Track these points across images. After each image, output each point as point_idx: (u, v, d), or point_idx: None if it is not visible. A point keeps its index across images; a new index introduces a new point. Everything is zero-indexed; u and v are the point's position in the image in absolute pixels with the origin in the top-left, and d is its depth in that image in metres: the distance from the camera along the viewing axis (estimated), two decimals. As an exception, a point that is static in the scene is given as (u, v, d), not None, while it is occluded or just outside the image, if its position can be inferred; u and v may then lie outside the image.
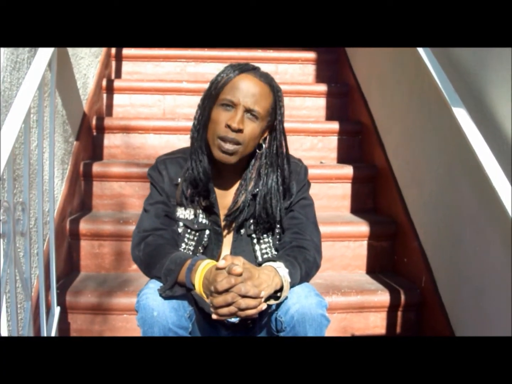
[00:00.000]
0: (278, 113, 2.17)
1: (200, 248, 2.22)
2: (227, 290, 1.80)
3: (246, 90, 2.05)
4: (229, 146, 2.06)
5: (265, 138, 2.21)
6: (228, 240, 2.26)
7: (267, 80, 2.12)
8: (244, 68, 2.09)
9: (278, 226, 2.24)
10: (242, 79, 2.06)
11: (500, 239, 2.49)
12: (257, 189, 2.19)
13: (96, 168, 3.86)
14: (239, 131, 2.05)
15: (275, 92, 2.14)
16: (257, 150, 2.20)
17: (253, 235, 2.22)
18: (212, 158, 2.14)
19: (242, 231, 2.23)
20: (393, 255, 3.67)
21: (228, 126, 2.04)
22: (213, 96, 2.09)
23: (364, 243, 3.65)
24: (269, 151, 2.20)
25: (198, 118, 2.16)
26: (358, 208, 4.07)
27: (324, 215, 3.82)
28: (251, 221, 2.22)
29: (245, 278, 1.82)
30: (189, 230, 2.22)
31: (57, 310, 2.83)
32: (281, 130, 2.19)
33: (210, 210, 2.21)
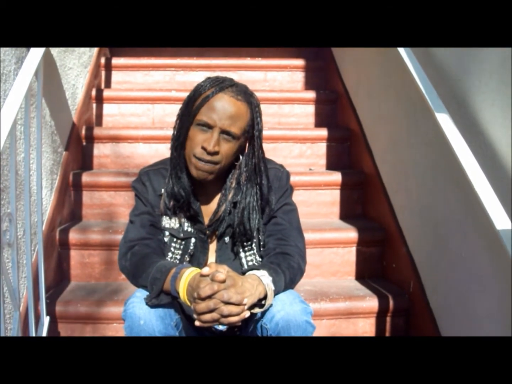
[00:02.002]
0: (256, 129, 2.16)
1: (186, 256, 2.23)
2: (210, 297, 1.82)
3: (223, 111, 2.04)
4: (204, 166, 2.08)
5: (243, 149, 2.22)
6: (214, 248, 2.27)
7: (245, 97, 2.11)
8: (222, 86, 2.07)
9: (260, 234, 2.25)
10: (219, 99, 2.05)
11: (484, 244, 2.51)
12: (238, 198, 2.21)
13: (86, 178, 3.86)
14: (215, 153, 2.06)
15: (253, 109, 2.14)
16: (235, 162, 2.22)
17: (238, 243, 2.24)
18: None
19: (227, 239, 2.25)
20: (382, 261, 3.68)
21: (204, 148, 2.05)
22: (189, 115, 2.09)
23: (353, 249, 3.65)
24: (247, 162, 2.21)
25: (175, 136, 2.17)
26: (347, 214, 4.07)
27: (313, 222, 3.83)
28: (231, 230, 2.24)
29: (228, 285, 1.84)
30: (175, 239, 2.24)
31: (46, 319, 2.84)
32: (259, 146, 2.19)
33: (195, 218, 2.22)
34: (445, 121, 2.69)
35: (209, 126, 2.06)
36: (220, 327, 2.25)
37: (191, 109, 2.09)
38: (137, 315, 1.96)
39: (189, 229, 2.24)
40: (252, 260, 2.24)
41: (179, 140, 2.13)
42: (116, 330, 3.06)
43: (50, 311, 2.98)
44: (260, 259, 2.25)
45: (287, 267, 2.08)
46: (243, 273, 2.02)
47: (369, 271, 3.67)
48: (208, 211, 2.25)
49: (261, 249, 2.25)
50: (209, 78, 2.13)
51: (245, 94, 2.12)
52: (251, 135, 2.16)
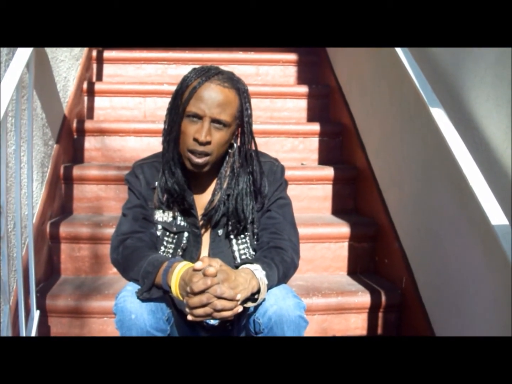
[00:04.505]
0: (245, 114, 2.15)
1: (179, 250, 2.22)
2: (203, 291, 1.80)
3: (211, 100, 2.03)
4: (198, 160, 2.08)
5: (236, 136, 2.21)
6: (206, 242, 2.25)
7: (232, 84, 2.10)
8: (208, 75, 2.06)
9: (254, 226, 2.24)
10: (206, 89, 2.04)
11: (477, 239, 2.50)
12: (231, 186, 2.20)
13: (77, 171, 3.84)
14: (207, 143, 2.05)
15: (241, 94, 2.13)
16: (229, 150, 2.21)
17: (231, 236, 2.23)
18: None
19: (220, 231, 2.23)
20: (374, 256, 3.68)
21: (196, 140, 2.05)
22: (179, 108, 2.08)
23: (345, 244, 3.65)
24: (239, 150, 2.21)
25: (167, 131, 2.16)
26: (339, 209, 4.07)
27: (305, 217, 3.81)
28: (225, 220, 2.23)
29: (222, 280, 1.83)
30: (167, 233, 2.22)
31: (36, 313, 2.82)
32: (249, 132, 2.18)
33: (188, 212, 2.21)
34: (439, 116, 2.68)
35: (198, 117, 2.05)
36: (212, 322, 2.24)
37: (179, 102, 2.09)
38: (128, 309, 1.95)
39: (182, 223, 2.22)
40: (245, 254, 2.23)
41: (172, 135, 2.12)
42: (107, 324, 3.04)
43: (40, 305, 2.96)
44: (254, 253, 2.24)
45: (281, 261, 2.07)
46: (237, 267, 2.01)
47: (361, 266, 3.67)
48: (202, 202, 2.24)
49: (255, 242, 2.24)
50: (194, 69, 2.12)
51: (232, 80, 2.11)
52: (241, 121, 2.16)
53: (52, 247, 3.46)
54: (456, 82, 2.74)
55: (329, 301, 3.19)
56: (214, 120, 2.05)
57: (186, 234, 2.23)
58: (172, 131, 2.12)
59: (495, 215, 2.26)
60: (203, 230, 2.26)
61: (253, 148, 2.22)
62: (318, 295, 3.18)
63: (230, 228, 2.22)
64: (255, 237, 2.25)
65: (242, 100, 2.13)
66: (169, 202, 2.19)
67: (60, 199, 3.77)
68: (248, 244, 2.25)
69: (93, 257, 3.45)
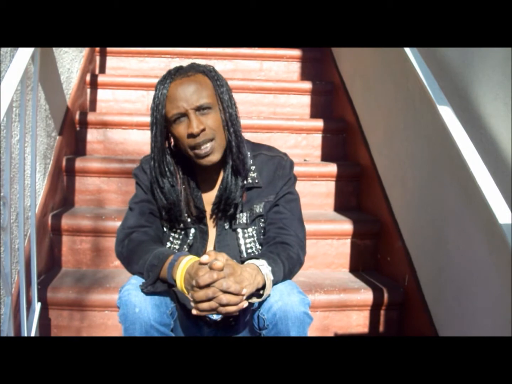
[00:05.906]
0: (219, 92, 2.12)
1: (185, 246, 2.21)
2: (208, 285, 1.79)
3: (184, 94, 2.03)
4: (203, 149, 2.06)
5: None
6: (212, 235, 2.25)
7: (195, 70, 2.11)
8: (170, 76, 2.08)
9: (262, 220, 2.24)
10: (174, 88, 2.05)
11: (483, 238, 2.49)
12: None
13: (79, 163, 3.82)
14: (202, 131, 2.04)
15: (208, 74, 2.12)
16: None
17: (238, 229, 2.21)
18: (193, 163, 2.15)
19: (226, 225, 2.22)
20: (377, 254, 3.67)
21: (191, 135, 2.04)
22: (162, 120, 2.08)
23: (348, 241, 3.64)
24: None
25: (153, 147, 2.16)
26: (342, 206, 4.06)
27: (307, 213, 3.78)
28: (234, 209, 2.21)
29: (227, 274, 1.82)
30: (174, 229, 2.22)
31: (37, 306, 2.80)
32: (227, 107, 2.13)
33: (196, 208, 2.20)
34: (446, 113, 2.67)
35: (182, 115, 2.05)
36: (215, 317, 2.23)
37: (160, 114, 2.08)
38: (132, 302, 1.94)
39: (189, 219, 2.21)
40: (251, 248, 2.22)
41: (157, 148, 2.15)
42: (108, 317, 3.04)
43: (41, 297, 2.95)
44: (260, 247, 2.24)
45: (287, 257, 2.06)
46: (242, 262, 1.99)
47: (364, 263, 3.66)
48: (209, 198, 2.23)
49: (261, 236, 2.24)
50: (158, 81, 2.12)
51: (193, 68, 2.13)
52: (219, 98, 2.13)
53: (54, 239, 3.45)
54: (464, 80, 2.73)
55: (331, 298, 3.18)
56: (197, 109, 2.04)
57: (192, 230, 2.22)
58: (157, 144, 2.13)
59: (502, 213, 2.25)
60: (209, 224, 2.25)
61: (231, 117, 2.15)
62: (320, 291, 3.17)
63: (219, 213, 2.22)
64: (262, 231, 2.24)
65: (211, 78, 2.12)
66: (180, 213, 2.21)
67: (62, 191, 3.76)
68: (255, 238, 2.23)
69: (95, 250, 3.44)
